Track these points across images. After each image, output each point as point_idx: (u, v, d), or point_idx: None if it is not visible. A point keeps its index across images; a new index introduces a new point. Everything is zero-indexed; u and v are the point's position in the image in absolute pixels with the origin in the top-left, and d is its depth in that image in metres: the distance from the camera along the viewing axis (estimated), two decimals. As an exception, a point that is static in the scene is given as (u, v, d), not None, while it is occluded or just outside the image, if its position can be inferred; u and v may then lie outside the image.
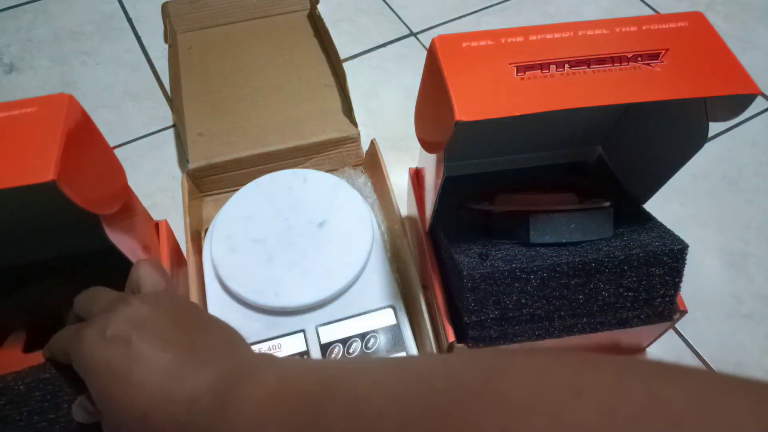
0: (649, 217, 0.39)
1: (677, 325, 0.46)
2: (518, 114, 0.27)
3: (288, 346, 0.40)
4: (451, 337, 0.36)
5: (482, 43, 0.31)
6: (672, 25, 0.32)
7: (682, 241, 0.35)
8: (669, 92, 0.28)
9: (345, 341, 0.41)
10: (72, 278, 0.39)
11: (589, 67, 0.30)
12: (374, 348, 0.41)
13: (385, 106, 0.61)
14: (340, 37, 0.60)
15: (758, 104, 0.61)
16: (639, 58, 0.30)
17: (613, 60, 0.30)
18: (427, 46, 0.31)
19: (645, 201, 0.40)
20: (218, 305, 0.42)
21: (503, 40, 0.31)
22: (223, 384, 0.22)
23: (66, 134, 0.28)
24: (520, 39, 0.31)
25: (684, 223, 0.52)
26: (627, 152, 0.42)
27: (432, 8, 0.71)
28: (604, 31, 0.32)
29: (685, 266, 0.35)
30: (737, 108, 0.30)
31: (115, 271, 0.37)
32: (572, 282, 0.35)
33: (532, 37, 0.31)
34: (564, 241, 0.36)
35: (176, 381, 0.23)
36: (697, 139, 0.33)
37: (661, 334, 0.42)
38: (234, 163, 0.50)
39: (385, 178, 0.47)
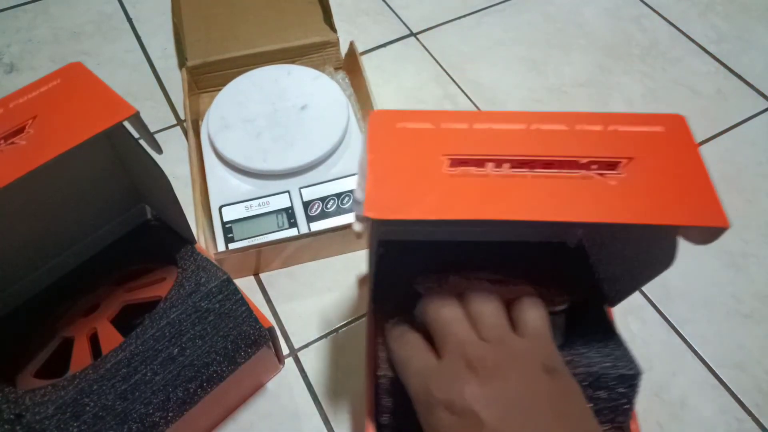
0: (608, 329, 0.34)
1: (677, 325, 0.46)
2: (433, 219, 0.24)
3: (275, 203, 0.48)
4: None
5: (419, 125, 0.28)
6: (644, 129, 0.27)
7: (636, 366, 0.31)
8: (616, 215, 0.24)
9: (323, 199, 0.48)
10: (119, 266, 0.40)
11: (531, 170, 0.26)
12: (347, 205, 0.48)
13: (384, 107, 0.61)
14: (340, 37, 0.60)
15: (758, 104, 0.61)
16: (594, 166, 0.26)
17: (562, 164, 0.26)
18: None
19: (615, 304, 0.35)
20: (215, 173, 0.49)
21: (443, 126, 0.27)
22: None
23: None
24: (463, 126, 0.28)
25: (684, 223, 0.52)
26: (603, 244, 0.37)
27: (432, 8, 0.71)
28: (563, 127, 0.27)
29: (636, 394, 0.31)
30: (706, 237, 0.26)
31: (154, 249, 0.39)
32: None
33: (477, 125, 0.28)
34: None
35: None
36: (666, 258, 0.29)
37: None
38: (227, 62, 0.57)
39: (361, 71, 0.55)
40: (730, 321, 0.46)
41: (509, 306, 0.29)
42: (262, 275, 0.49)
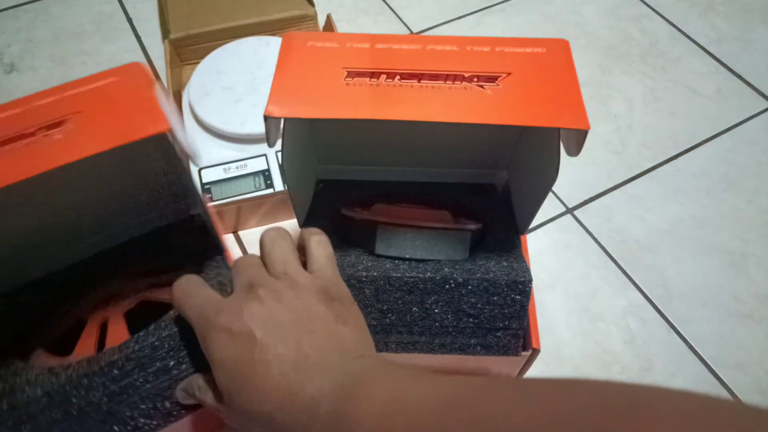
0: (512, 246, 0.37)
1: (677, 325, 0.46)
2: (322, 117, 0.27)
3: (253, 165, 0.48)
4: None
5: (327, 44, 0.31)
6: (528, 50, 0.31)
7: (528, 274, 0.34)
8: (486, 117, 0.27)
9: None
10: (151, 259, 0.40)
11: (419, 81, 0.29)
12: None
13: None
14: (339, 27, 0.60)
15: (758, 104, 0.61)
16: (475, 79, 0.29)
17: (447, 77, 0.29)
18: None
19: (523, 231, 0.39)
20: (196, 137, 0.51)
21: (348, 45, 0.31)
22: (341, 391, 0.23)
23: (156, 95, 0.29)
24: (365, 45, 0.31)
25: (684, 223, 0.52)
26: (518, 179, 0.41)
27: (432, 8, 0.71)
28: (455, 48, 0.31)
29: (529, 300, 0.34)
30: (576, 143, 0.29)
31: (194, 245, 0.39)
32: (407, 297, 0.34)
33: (379, 45, 0.31)
34: (407, 256, 0.35)
35: (298, 385, 0.24)
36: (551, 173, 0.32)
37: (526, 367, 0.39)
38: (208, 34, 0.59)
39: None
40: (730, 321, 0.46)
41: (301, 245, 0.32)
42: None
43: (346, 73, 0.29)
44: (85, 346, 0.34)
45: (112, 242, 0.39)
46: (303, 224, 0.39)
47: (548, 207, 0.53)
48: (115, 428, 0.30)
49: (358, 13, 0.70)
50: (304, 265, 0.30)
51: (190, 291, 0.29)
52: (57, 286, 0.38)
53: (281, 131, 0.31)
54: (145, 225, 0.40)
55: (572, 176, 0.55)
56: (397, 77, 0.29)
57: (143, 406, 0.31)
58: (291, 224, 0.51)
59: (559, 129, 0.30)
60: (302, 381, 0.24)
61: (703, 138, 0.59)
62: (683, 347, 0.45)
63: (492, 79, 0.29)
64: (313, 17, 0.61)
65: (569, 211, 0.53)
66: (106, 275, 0.39)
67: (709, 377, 0.44)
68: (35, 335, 0.36)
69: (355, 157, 0.42)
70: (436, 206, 0.40)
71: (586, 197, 0.54)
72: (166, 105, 0.33)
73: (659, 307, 0.47)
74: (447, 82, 0.29)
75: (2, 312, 0.36)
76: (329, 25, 0.59)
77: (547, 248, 0.50)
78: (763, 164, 0.57)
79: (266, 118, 0.28)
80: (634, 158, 0.57)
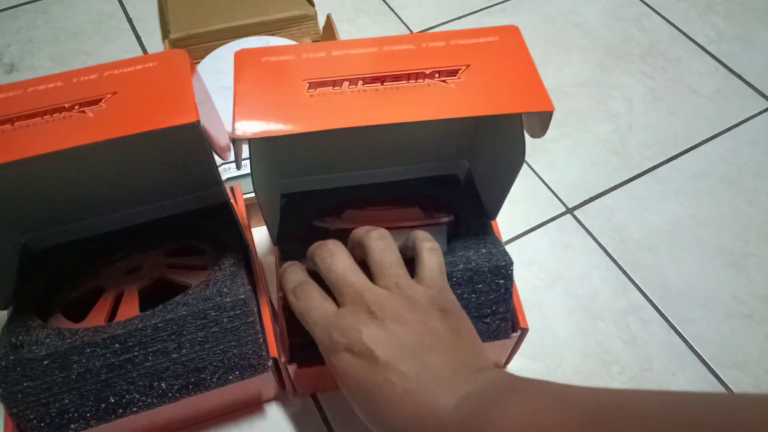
0: (486, 233, 0.38)
1: (677, 325, 0.46)
2: (295, 133, 0.27)
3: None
4: (284, 357, 0.35)
5: (283, 58, 0.31)
6: (481, 40, 0.31)
7: (508, 258, 0.35)
8: (456, 111, 0.28)
9: None
10: (176, 241, 0.41)
11: (382, 84, 0.29)
12: None
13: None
14: (341, 37, 0.60)
15: (758, 104, 0.61)
16: (437, 75, 0.29)
17: (409, 77, 0.29)
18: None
19: (494, 217, 0.39)
20: None
21: (304, 56, 0.31)
22: (467, 407, 0.23)
23: (193, 84, 0.29)
24: (321, 54, 0.31)
25: (684, 223, 0.52)
26: (481, 166, 0.41)
27: (432, 8, 0.71)
28: (411, 47, 0.31)
29: (512, 283, 0.35)
30: (540, 125, 0.29)
31: (216, 230, 0.40)
32: None
33: (335, 53, 0.31)
34: None
35: (423, 403, 0.24)
36: (518, 156, 0.32)
37: (516, 348, 0.39)
38: (208, 34, 0.59)
39: None
40: (730, 321, 0.46)
41: (408, 248, 0.32)
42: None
43: (307, 84, 0.29)
44: (97, 316, 0.35)
45: (141, 219, 0.40)
46: (276, 242, 0.39)
47: (548, 207, 0.53)
48: (111, 399, 0.31)
49: (358, 13, 0.70)
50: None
51: (309, 303, 0.29)
52: (85, 252, 0.39)
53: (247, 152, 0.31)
54: (174, 207, 0.41)
55: (572, 176, 0.55)
56: (360, 82, 0.29)
57: (140, 383, 0.32)
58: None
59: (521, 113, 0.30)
60: (426, 398, 0.24)
61: (703, 138, 0.59)
62: (683, 347, 0.45)
63: (453, 72, 0.29)
64: (313, 17, 0.61)
65: (569, 211, 0.53)
66: (131, 250, 0.40)
67: (709, 377, 0.44)
68: (58, 296, 0.37)
69: (315, 166, 0.42)
70: (405, 204, 0.40)
71: (586, 197, 0.54)
72: (204, 95, 0.33)
73: (659, 307, 0.47)
74: (410, 81, 0.29)
75: (34, 268, 0.38)
76: (329, 25, 0.59)
77: (547, 248, 0.50)
78: (763, 164, 0.57)
79: (234, 141, 0.28)
80: (634, 158, 0.57)
